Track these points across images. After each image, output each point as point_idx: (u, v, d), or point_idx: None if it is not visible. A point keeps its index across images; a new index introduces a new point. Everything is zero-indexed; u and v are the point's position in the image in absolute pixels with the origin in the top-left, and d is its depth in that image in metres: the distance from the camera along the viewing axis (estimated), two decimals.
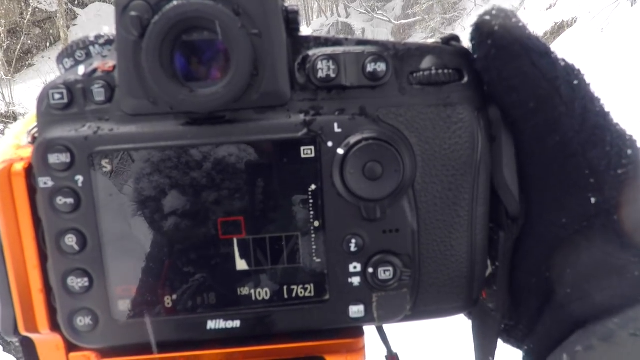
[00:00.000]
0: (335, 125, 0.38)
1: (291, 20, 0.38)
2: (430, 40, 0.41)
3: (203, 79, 0.36)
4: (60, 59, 0.40)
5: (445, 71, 0.38)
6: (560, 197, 0.38)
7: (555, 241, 0.39)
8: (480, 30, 0.37)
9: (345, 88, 0.38)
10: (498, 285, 0.42)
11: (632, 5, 7.68)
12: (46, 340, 0.40)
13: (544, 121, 0.37)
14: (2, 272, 0.40)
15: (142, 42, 0.35)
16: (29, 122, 0.44)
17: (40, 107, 0.38)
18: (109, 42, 0.40)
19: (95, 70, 0.38)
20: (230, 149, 0.37)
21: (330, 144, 0.38)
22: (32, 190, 0.38)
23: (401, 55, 0.39)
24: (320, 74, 0.37)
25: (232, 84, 0.36)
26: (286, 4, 0.38)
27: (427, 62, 0.39)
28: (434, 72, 0.38)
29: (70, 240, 0.38)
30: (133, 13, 0.35)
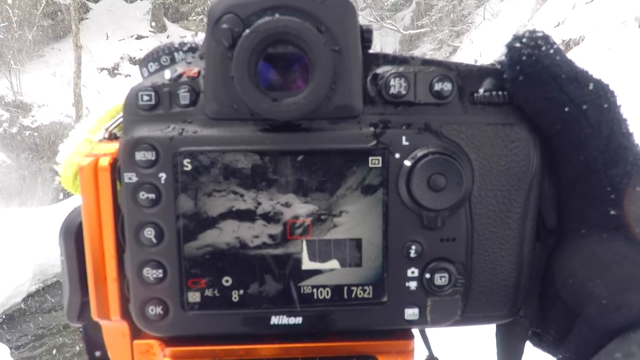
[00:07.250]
0: (403, 138, 0.40)
1: (365, 38, 0.40)
2: (485, 62, 0.44)
3: (284, 89, 0.39)
4: (144, 62, 0.43)
5: (505, 93, 0.41)
6: (582, 210, 0.41)
7: (578, 252, 0.41)
8: (510, 55, 0.40)
9: (412, 104, 0.41)
10: (530, 293, 0.44)
11: (639, 26, 7.73)
12: (114, 327, 0.43)
13: (570, 141, 0.40)
14: (72, 262, 0.42)
15: (232, 52, 0.38)
16: (103, 118, 0.46)
17: (128, 107, 0.40)
18: (191, 49, 0.42)
19: (181, 75, 0.40)
20: (303, 155, 0.40)
21: (397, 155, 0.40)
22: (114, 183, 0.40)
23: (463, 76, 0.42)
24: (392, 90, 0.40)
25: (312, 96, 0.38)
26: (361, 23, 0.41)
27: (487, 84, 0.42)
28: (494, 93, 0.41)
29: (149, 233, 0.40)
30: (225, 25, 0.37)
